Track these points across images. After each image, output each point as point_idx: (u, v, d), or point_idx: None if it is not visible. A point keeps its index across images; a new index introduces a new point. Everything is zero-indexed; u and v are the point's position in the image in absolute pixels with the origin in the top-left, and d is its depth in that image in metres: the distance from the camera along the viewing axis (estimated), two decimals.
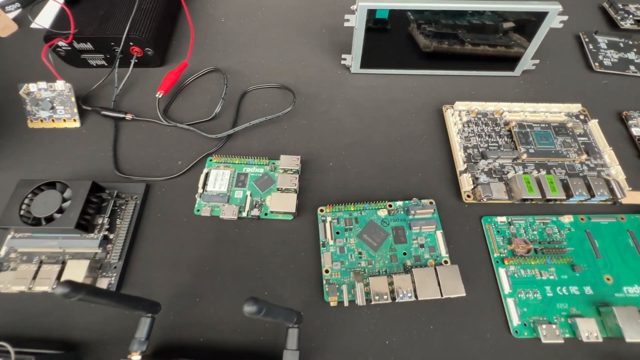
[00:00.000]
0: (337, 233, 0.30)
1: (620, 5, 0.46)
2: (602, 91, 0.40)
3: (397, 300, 0.26)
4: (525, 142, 0.34)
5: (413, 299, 0.26)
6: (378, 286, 0.27)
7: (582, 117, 0.37)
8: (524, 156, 0.33)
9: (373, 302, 0.26)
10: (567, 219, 0.31)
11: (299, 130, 0.37)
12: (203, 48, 0.43)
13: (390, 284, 0.27)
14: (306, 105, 0.39)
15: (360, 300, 0.26)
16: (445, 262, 0.29)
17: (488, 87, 0.40)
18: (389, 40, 0.38)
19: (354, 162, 0.35)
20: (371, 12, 0.34)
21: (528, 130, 0.35)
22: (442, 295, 0.26)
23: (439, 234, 0.30)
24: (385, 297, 0.26)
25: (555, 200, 0.31)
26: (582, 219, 0.31)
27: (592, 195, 0.31)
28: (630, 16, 0.45)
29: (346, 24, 0.36)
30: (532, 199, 0.31)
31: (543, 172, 0.33)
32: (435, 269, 0.27)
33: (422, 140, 0.36)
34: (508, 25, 0.36)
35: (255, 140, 0.36)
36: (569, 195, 0.31)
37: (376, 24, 0.36)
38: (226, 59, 0.42)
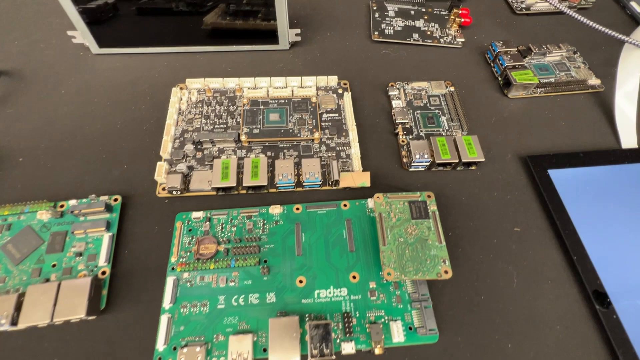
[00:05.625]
0: None
1: None
2: (380, 62, 0.35)
3: None
4: (251, 121, 0.29)
5: (7, 327, 0.20)
6: None
7: (340, 90, 0.32)
8: (244, 137, 0.28)
9: None
10: (276, 209, 0.25)
11: (3, 121, 0.31)
12: None
13: None
14: (24, 93, 0.32)
15: None
16: (103, 272, 0.23)
17: (255, 63, 0.35)
18: (147, 15, 0.32)
19: (52, 156, 0.28)
20: None
21: (262, 107, 0.30)
22: (52, 320, 0.20)
23: (107, 238, 0.24)
24: None
25: (259, 187, 0.26)
26: (297, 208, 0.26)
27: (299, 181, 0.25)
28: None
29: None
30: (226, 187, 0.25)
31: (268, 155, 0.28)
32: (59, 284, 0.21)
33: (145, 127, 0.30)
34: None
35: None
36: (272, 182, 0.26)
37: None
38: None
